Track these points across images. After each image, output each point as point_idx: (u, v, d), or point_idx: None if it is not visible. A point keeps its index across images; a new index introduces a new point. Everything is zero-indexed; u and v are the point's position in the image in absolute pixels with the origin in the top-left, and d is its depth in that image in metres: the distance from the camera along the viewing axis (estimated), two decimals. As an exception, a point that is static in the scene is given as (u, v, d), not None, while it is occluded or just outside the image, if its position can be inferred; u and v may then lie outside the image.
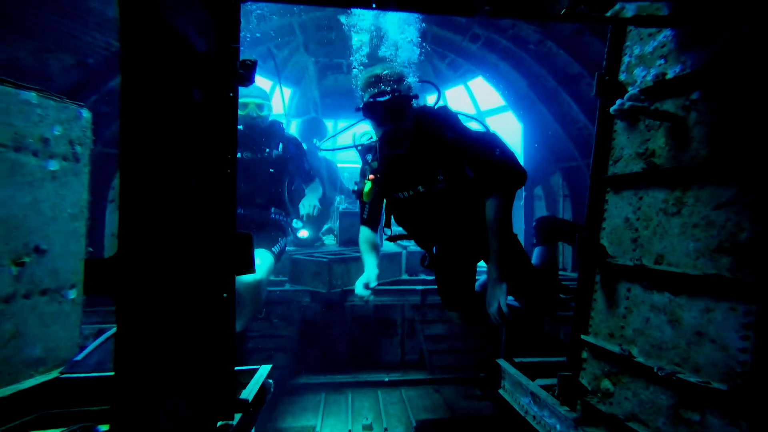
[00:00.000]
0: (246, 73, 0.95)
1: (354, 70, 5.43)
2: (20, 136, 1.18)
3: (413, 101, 1.93)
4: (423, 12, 1.14)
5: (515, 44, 4.40)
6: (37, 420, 1.37)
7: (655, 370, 0.99)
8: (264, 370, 1.56)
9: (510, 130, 5.40)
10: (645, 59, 1.17)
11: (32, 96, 1.20)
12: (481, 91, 5.92)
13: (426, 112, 2.01)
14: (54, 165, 1.35)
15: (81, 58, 2.63)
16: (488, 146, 1.91)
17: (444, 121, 1.97)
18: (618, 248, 1.21)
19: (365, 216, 2.28)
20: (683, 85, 1.02)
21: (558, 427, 1.32)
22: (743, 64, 0.87)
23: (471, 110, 6.26)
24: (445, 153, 1.94)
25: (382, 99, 1.84)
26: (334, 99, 5.85)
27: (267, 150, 2.85)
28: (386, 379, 3.39)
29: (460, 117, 2.05)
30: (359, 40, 4.71)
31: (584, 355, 1.33)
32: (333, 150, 2.80)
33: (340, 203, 4.85)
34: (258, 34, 4.45)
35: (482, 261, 2.32)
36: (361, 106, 1.93)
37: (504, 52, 4.59)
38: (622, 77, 1.26)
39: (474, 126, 2.15)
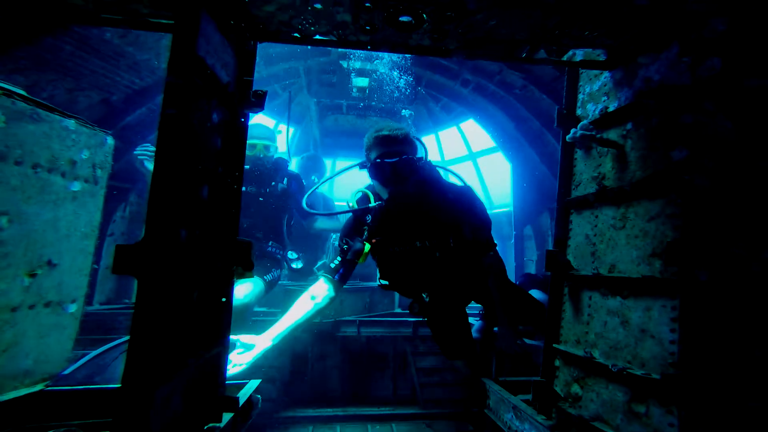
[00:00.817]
0: (257, 101, 1.14)
1: (352, 112, 5.79)
2: (54, 158, 1.35)
3: (419, 162, 1.99)
4: (410, 53, 1.36)
5: (502, 89, 4.75)
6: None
7: (610, 367, 1.10)
8: (253, 384, 1.58)
9: (500, 171, 5.66)
10: (594, 96, 1.38)
11: (71, 123, 1.38)
12: (472, 132, 6.26)
13: (429, 171, 2.07)
14: (76, 186, 1.51)
15: (106, 96, 2.89)
16: (484, 211, 2.08)
17: (443, 181, 2.09)
18: (581, 261, 1.35)
19: (341, 272, 2.09)
20: (620, 117, 1.21)
21: (535, 435, 1.39)
22: (654, 100, 1.06)
23: (463, 151, 6.56)
24: (447, 213, 2.01)
25: (390, 161, 1.91)
26: (334, 138, 6.17)
27: (273, 183, 3.05)
28: (377, 413, 3.35)
29: (438, 170, 2.17)
30: (358, 84, 5.08)
31: (557, 363, 1.42)
32: (325, 215, 2.87)
33: (336, 240, 4.99)
34: (265, 75, 4.82)
35: (473, 302, 2.40)
36: (368, 165, 1.98)
37: (492, 96, 4.94)
38: (578, 112, 1.47)
39: (452, 179, 2.28)
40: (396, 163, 1.91)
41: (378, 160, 1.93)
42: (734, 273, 0.90)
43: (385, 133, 1.96)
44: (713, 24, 0.95)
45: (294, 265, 3.26)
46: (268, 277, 2.80)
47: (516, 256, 5.17)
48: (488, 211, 2.13)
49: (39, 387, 1.48)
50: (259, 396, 1.57)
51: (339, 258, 2.11)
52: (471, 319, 2.43)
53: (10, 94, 1.14)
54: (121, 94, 3.11)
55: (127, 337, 2.21)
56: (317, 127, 5.89)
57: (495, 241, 2.12)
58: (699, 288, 0.90)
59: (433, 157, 7.00)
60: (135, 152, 2.67)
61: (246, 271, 1.21)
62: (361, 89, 5.35)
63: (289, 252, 3.18)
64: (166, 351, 0.84)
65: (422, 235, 2.04)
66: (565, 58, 1.44)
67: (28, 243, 1.32)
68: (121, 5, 0.98)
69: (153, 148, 2.55)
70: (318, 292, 2.10)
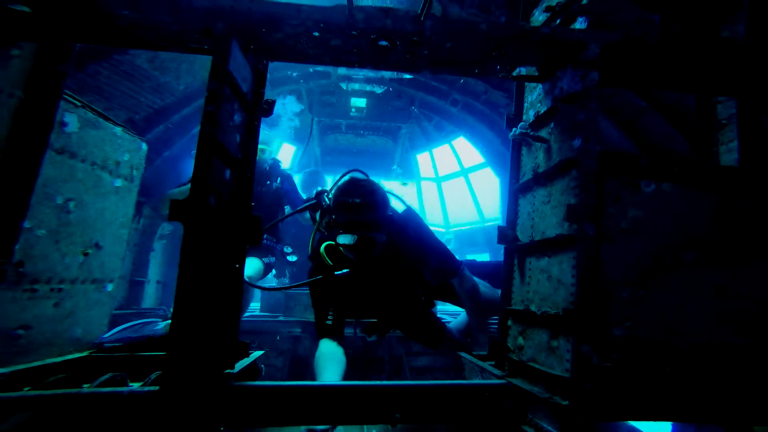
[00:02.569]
0: (267, 109, 1.51)
1: (350, 132, 6.20)
2: (106, 158, 1.71)
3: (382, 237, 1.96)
4: (389, 70, 1.72)
5: (489, 108, 5.17)
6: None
7: (538, 313, 1.40)
8: (256, 353, 1.82)
9: (490, 185, 6.03)
10: (533, 103, 1.74)
11: (119, 130, 1.75)
12: (464, 149, 6.66)
13: (395, 226, 2.07)
14: (119, 182, 1.87)
15: (131, 115, 3.32)
16: (434, 239, 2.16)
17: (410, 233, 2.11)
18: (524, 235, 1.67)
19: (329, 322, 2.02)
20: (547, 119, 1.56)
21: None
22: (565, 104, 1.41)
23: (456, 167, 6.94)
24: (412, 272, 2.10)
25: (350, 243, 1.88)
26: (334, 156, 6.60)
27: (268, 182, 3.44)
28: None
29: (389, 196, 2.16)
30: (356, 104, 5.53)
31: (509, 323, 1.72)
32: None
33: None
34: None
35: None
36: (336, 235, 1.93)
37: (480, 114, 5.36)
38: (524, 117, 1.82)
39: (396, 204, 2.30)
40: (356, 245, 1.89)
41: (340, 236, 1.92)
42: (609, 228, 1.23)
43: (350, 200, 1.91)
44: (591, 48, 1.32)
45: (289, 258, 3.60)
46: (265, 260, 3.26)
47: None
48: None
49: (86, 353, 1.76)
50: (262, 366, 1.86)
51: (330, 316, 2.08)
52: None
53: (84, 105, 1.51)
54: (143, 113, 3.54)
55: (143, 320, 2.52)
56: (318, 145, 6.31)
57: (458, 261, 2.20)
58: (588, 240, 1.22)
59: (427, 173, 7.39)
60: (172, 190, 3.15)
61: (254, 243, 1.54)
62: (359, 109, 5.79)
63: (285, 247, 3.53)
64: (201, 290, 1.17)
65: (392, 305, 2.13)
66: (515, 73, 1.81)
67: (84, 226, 1.66)
68: (177, 37, 1.35)
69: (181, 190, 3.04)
70: (334, 355, 1.98)
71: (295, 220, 3.71)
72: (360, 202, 1.90)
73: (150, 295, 4.07)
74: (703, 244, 1.22)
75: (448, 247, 2.30)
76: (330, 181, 7.51)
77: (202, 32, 1.38)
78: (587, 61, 1.36)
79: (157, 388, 1.12)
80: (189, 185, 1.10)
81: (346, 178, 2.15)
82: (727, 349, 1.17)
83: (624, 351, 1.22)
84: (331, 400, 1.37)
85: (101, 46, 2.59)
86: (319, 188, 2.17)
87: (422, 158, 6.97)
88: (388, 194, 2.09)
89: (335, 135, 6.23)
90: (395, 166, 6.51)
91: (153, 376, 1.37)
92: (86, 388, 1.25)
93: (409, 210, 2.21)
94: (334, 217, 1.99)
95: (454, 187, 6.93)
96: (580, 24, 1.52)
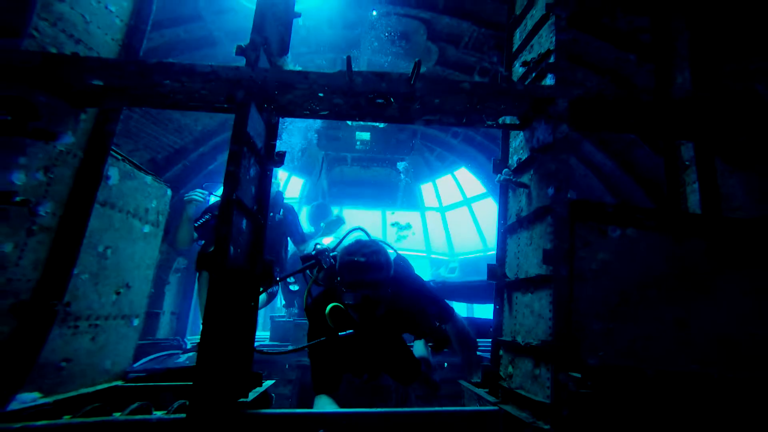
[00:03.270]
0: (279, 160, 1.73)
1: (356, 164, 6.44)
2: (138, 207, 1.93)
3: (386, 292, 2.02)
4: (386, 122, 1.94)
5: (487, 139, 5.41)
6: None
7: (523, 344, 1.54)
8: (267, 383, 1.94)
9: (493, 214, 6.20)
10: (516, 149, 1.93)
11: (149, 179, 1.98)
12: (466, 179, 6.88)
13: (395, 281, 2.11)
14: (147, 228, 2.07)
15: (154, 155, 3.60)
16: (423, 285, 2.32)
17: (406, 285, 2.22)
18: (511, 272, 1.83)
19: (324, 379, 2.05)
20: (527, 165, 1.75)
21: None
22: (540, 153, 1.60)
23: (459, 197, 7.14)
24: (412, 316, 2.22)
25: (362, 294, 1.94)
26: (340, 188, 6.86)
27: (272, 214, 3.64)
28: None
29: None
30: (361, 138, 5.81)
31: (501, 353, 1.85)
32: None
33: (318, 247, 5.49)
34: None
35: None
36: (343, 297, 1.98)
37: (480, 146, 5.59)
38: (509, 161, 2.02)
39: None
40: (362, 304, 1.96)
41: (346, 295, 1.99)
42: (581, 269, 1.38)
43: (356, 259, 1.98)
44: (559, 103, 1.52)
45: (291, 288, 3.78)
46: (269, 290, 3.35)
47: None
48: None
49: (114, 383, 1.88)
50: (273, 394, 2.00)
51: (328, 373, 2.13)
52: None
53: (124, 158, 1.74)
54: (164, 153, 3.83)
55: (165, 353, 2.68)
56: (325, 178, 6.58)
57: (450, 306, 2.37)
58: (561, 280, 1.37)
59: (431, 203, 7.59)
60: (186, 194, 3.33)
61: (267, 286, 1.72)
62: (364, 142, 6.07)
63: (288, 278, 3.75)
64: (222, 328, 1.34)
65: (387, 355, 2.20)
66: (500, 121, 2.02)
67: (118, 269, 1.85)
68: (206, 100, 1.59)
69: (195, 194, 3.23)
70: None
71: (293, 255, 3.93)
72: (365, 262, 1.97)
73: (164, 326, 4.24)
74: (662, 281, 1.37)
75: (455, 275, 2.48)
76: (336, 212, 7.77)
77: (226, 98, 1.62)
78: (557, 115, 1.55)
79: (183, 416, 1.28)
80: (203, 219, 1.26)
81: (352, 240, 2.26)
82: (688, 377, 1.30)
83: (598, 378, 1.35)
84: (337, 427, 1.50)
85: (146, 108, 2.91)
86: (319, 245, 2.29)
87: (426, 188, 7.21)
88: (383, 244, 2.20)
89: (341, 167, 6.50)
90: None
91: (175, 405, 1.53)
92: (118, 416, 1.40)
93: (400, 258, 2.34)
94: (339, 278, 2.04)
95: (458, 216, 7.11)
96: (549, 80, 1.73)
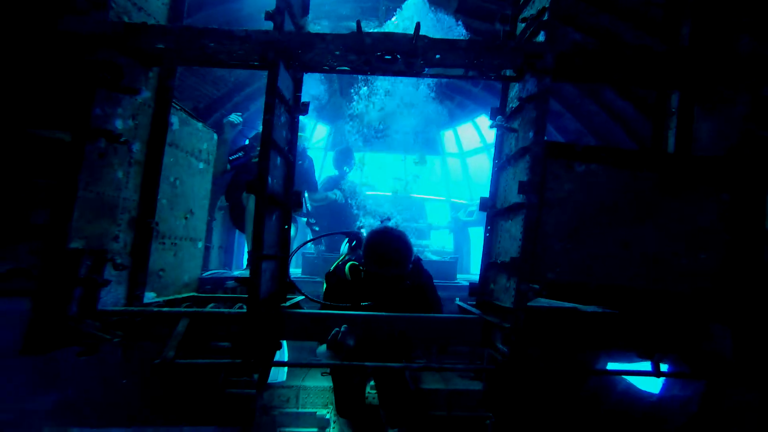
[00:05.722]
0: (304, 109, 2.07)
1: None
2: (194, 147, 2.36)
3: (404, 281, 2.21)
4: (394, 75, 2.19)
5: (507, 88, 5.42)
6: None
7: (498, 262, 1.92)
8: (298, 297, 2.39)
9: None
10: (512, 99, 2.18)
11: (200, 125, 2.39)
12: (486, 126, 6.93)
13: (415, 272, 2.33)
14: (201, 165, 2.52)
15: (196, 105, 4.02)
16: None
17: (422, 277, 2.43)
18: (499, 204, 2.16)
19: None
20: (517, 113, 2.02)
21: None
22: (527, 102, 1.86)
23: (478, 143, 7.24)
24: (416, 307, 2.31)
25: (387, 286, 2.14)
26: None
27: (300, 162, 4.11)
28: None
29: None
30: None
31: (487, 273, 2.24)
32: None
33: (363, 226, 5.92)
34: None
35: None
36: (363, 275, 2.19)
37: (500, 94, 5.62)
38: (507, 109, 2.26)
39: None
40: (381, 281, 2.18)
41: (369, 273, 2.19)
42: (549, 198, 1.70)
43: (390, 254, 2.15)
44: (547, 58, 1.75)
45: (315, 227, 4.54)
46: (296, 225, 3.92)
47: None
48: None
49: (192, 293, 2.43)
50: (303, 307, 2.50)
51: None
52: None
53: (181, 108, 2.14)
54: (204, 103, 4.23)
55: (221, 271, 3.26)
56: (348, 124, 6.84)
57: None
58: (532, 207, 1.70)
59: (452, 149, 7.77)
60: (224, 118, 3.82)
61: (297, 209, 2.15)
62: (385, 89, 6.20)
63: (310, 218, 4.37)
64: (265, 242, 1.78)
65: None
66: (502, 74, 2.24)
67: (184, 198, 2.33)
68: (243, 59, 1.93)
69: (232, 117, 3.73)
70: None
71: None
72: (389, 256, 2.15)
73: (214, 259, 4.91)
74: (615, 209, 1.67)
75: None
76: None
77: (260, 57, 1.95)
78: (544, 69, 1.78)
79: (245, 310, 1.77)
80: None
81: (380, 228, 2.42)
82: (621, 289, 1.64)
83: (552, 290, 1.72)
84: (354, 323, 1.96)
85: (194, 66, 3.26)
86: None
87: (447, 135, 7.34)
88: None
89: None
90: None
91: (236, 306, 2.05)
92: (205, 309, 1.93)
93: (418, 258, 2.50)
94: (364, 261, 2.23)
95: (478, 162, 7.28)
96: (542, 36, 1.92)
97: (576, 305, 1.79)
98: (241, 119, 3.89)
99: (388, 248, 2.16)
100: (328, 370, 2.62)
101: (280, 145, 1.92)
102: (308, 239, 3.90)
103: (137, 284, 1.85)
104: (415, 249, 2.42)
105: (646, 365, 1.79)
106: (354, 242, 2.67)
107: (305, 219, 4.86)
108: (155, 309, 1.76)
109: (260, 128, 1.77)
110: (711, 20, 1.84)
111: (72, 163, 1.45)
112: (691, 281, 1.58)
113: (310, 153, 4.64)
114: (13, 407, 2.87)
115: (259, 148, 1.71)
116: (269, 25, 1.81)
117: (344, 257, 2.57)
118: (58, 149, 1.56)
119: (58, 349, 1.51)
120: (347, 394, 2.44)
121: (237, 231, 5.05)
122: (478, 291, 2.24)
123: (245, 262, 5.55)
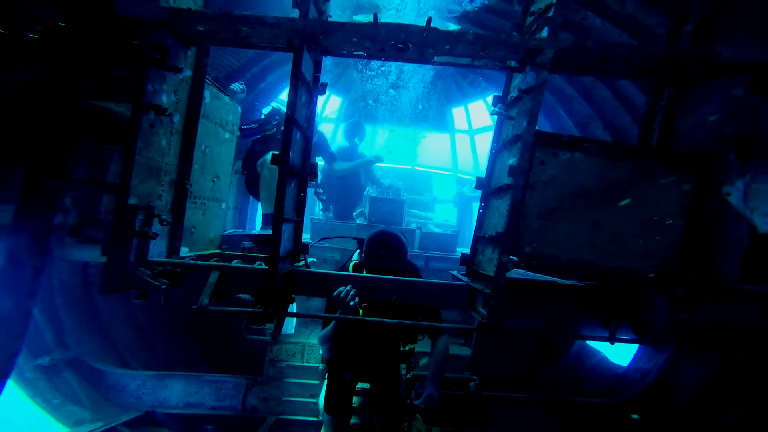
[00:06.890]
0: (322, 89, 2.29)
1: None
2: (221, 118, 2.61)
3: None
4: (405, 62, 2.39)
5: (519, 68, 5.48)
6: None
7: (485, 236, 2.18)
8: (310, 260, 2.81)
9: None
10: (513, 88, 2.37)
11: (227, 98, 2.63)
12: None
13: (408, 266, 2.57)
14: (227, 135, 2.77)
15: (216, 74, 4.23)
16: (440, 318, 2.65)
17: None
18: (493, 184, 2.40)
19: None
20: (515, 102, 2.22)
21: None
22: (525, 93, 2.07)
23: (488, 122, 7.34)
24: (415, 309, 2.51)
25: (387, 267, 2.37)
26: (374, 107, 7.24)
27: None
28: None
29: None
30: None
31: (477, 246, 2.51)
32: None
33: (372, 192, 6.16)
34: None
35: None
36: (365, 272, 2.41)
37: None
38: (508, 98, 2.46)
39: None
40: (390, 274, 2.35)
41: (370, 269, 2.47)
42: (534, 181, 1.94)
43: (389, 243, 2.45)
44: (546, 53, 1.93)
45: (323, 197, 4.90)
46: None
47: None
48: None
49: (216, 250, 2.77)
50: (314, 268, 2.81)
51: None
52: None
53: (212, 83, 2.38)
54: (224, 72, 4.43)
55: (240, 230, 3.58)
56: (361, 98, 6.97)
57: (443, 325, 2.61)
58: (518, 188, 1.94)
59: (461, 125, 7.91)
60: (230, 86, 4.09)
61: (313, 178, 2.42)
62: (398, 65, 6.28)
63: (318, 188, 4.70)
64: (285, 207, 2.06)
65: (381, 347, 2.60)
66: (507, 63, 2.41)
67: (212, 163, 2.61)
68: (271, 42, 2.14)
69: (234, 86, 4.01)
70: None
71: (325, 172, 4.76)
72: (387, 254, 2.44)
73: (230, 219, 5.26)
74: (591, 192, 1.91)
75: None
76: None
77: (286, 42, 2.16)
78: (542, 63, 1.98)
79: (266, 267, 2.07)
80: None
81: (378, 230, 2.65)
82: (584, 263, 1.91)
83: (528, 262, 2.00)
84: (357, 284, 2.26)
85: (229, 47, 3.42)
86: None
87: (457, 112, 7.43)
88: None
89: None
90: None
91: (256, 263, 2.36)
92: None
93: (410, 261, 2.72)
94: (365, 258, 2.52)
95: (487, 139, 7.43)
96: (545, 32, 2.09)
97: (549, 277, 2.07)
98: (243, 87, 4.17)
99: (387, 246, 2.46)
100: (327, 370, 2.84)
101: (300, 123, 2.16)
102: (321, 237, 4.20)
103: (176, 238, 2.17)
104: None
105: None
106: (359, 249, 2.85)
107: (313, 189, 5.17)
108: (191, 262, 2.08)
109: (273, 101, 2.01)
110: (692, 25, 2.00)
111: (131, 132, 1.72)
112: (645, 259, 1.84)
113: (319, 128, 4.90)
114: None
115: (273, 123, 1.95)
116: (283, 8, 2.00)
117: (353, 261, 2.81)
118: (112, 119, 1.82)
119: (122, 291, 1.84)
120: (336, 390, 2.66)
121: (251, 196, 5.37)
122: (468, 261, 2.53)
123: (257, 225, 5.90)
